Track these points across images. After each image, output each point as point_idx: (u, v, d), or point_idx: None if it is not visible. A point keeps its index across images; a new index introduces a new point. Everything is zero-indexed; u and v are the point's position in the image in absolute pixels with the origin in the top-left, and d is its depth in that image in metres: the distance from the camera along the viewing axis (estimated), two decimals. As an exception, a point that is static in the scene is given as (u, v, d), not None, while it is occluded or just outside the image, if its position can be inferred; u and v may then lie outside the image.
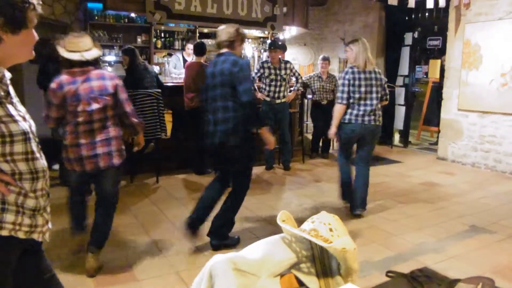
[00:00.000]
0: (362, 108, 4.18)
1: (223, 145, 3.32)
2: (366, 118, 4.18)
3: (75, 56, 2.84)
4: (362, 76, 4.17)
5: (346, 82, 4.17)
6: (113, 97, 2.94)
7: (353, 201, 4.38)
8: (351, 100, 4.19)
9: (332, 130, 4.30)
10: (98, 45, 3.06)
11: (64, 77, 2.89)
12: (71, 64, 2.88)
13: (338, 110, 4.23)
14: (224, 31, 3.42)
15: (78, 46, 2.88)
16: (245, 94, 3.22)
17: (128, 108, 3.05)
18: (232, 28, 3.42)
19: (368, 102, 4.18)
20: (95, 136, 2.90)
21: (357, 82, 4.16)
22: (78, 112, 2.85)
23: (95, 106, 2.86)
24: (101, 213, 3.13)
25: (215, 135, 3.34)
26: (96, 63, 2.98)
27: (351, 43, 4.28)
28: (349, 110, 4.21)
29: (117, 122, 3.03)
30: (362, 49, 4.18)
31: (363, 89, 4.16)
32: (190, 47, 7.11)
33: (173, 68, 7.36)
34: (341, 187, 4.53)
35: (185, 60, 7.25)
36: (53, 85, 2.87)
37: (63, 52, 2.85)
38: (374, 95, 4.20)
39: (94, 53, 2.92)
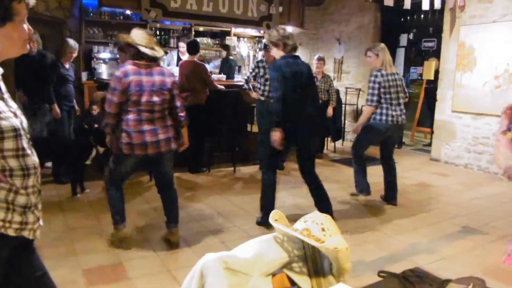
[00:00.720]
0: (395, 108, 4.48)
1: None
2: (400, 118, 4.51)
3: (149, 52, 3.16)
4: (390, 78, 4.46)
5: (377, 85, 4.42)
6: (170, 92, 3.28)
7: (394, 193, 4.82)
8: (383, 102, 4.45)
9: (358, 128, 4.61)
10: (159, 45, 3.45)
11: (129, 67, 3.16)
12: (141, 57, 3.18)
13: (369, 112, 4.51)
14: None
15: (152, 43, 3.24)
16: None
17: (179, 103, 3.37)
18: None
19: (400, 101, 4.53)
20: (156, 123, 3.22)
21: (387, 84, 4.43)
22: (142, 102, 3.14)
23: (155, 98, 3.18)
24: (170, 193, 3.53)
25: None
26: (157, 60, 3.32)
27: (374, 48, 4.54)
28: (382, 111, 4.47)
29: (171, 114, 3.37)
30: (386, 53, 4.50)
31: (393, 89, 4.46)
32: (182, 45, 7.08)
33: (167, 66, 7.34)
34: (363, 178, 4.78)
35: (179, 59, 7.23)
36: (118, 73, 3.14)
37: (139, 46, 3.14)
38: (401, 95, 4.54)
39: (161, 52, 3.31)
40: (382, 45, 4.57)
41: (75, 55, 5.40)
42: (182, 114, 3.38)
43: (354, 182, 4.84)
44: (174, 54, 7.49)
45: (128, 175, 3.54)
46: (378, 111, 4.50)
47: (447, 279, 1.57)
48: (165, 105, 3.27)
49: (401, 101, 4.56)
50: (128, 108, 3.15)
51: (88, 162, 4.76)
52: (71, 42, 5.35)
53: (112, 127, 3.23)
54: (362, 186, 4.78)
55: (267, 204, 3.95)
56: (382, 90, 4.43)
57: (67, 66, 5.36)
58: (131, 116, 3.15)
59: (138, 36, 3.18)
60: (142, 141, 3.16)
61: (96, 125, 6.16)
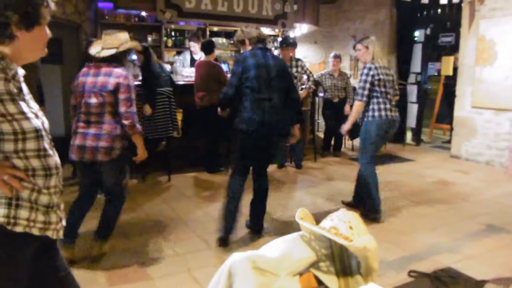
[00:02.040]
0: (388, 103, 4.11)
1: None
2: (394, 114, 4.14)
3: (92, 51, 3.07)
4: (384, 71, 4.10)
5: (370, 78, 4.03)
6: (113, 94, 2.98)
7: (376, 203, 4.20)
8: (379, 96, 4.07)
9: (348, 127, 4.21)
10: (131, 44, 3.33)
11: (83, 70, 3.12)
12: (91, 59, 3.12)
13: (360, 107, 4.10)
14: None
15: (100, 43, 3.11)
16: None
17: (123, 108, 2.98)
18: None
19: (391, 97, 4.15)
20: (90, 128, 3.00)
21: (383, 77, 4.06)
22: (81, 103, 3.03)
23: (93, 100, 2.98)
24: (106, 207, 3.30)
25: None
26: (113, 60, 3.08)
27: (363, 40, 4.21)
28: (380, 106, 4.07)
29: (118, 120, 3.02)
30: (376, 46, 4.15)
31: (388, 84, 4.11)
32: (193, 44, 7.03)
33: (181, 67, 7.31)
34: (373, 193, 4.19)
35: (192, 59, 7.21)
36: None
37: (90, 48, 3.13)
38: (392, 90, 4.18)
39: (109, 52, 3.06)
40: (372, 37, 4.22)
41: None
42: (126, 121, 2.98)
43: (367, 202, 4.24)
44: (187, 54, 7.47)
45: (90, 185, 3.25)
46: (376, 107, 4.07)
47: (482, 280, 1.51)
48: (104, 109, 2.97)
49: (392, 96, 4.19)
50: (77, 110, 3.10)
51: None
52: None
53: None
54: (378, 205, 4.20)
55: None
56: (377, 83, 4.04)
57: None
58: (76, 118, 3.08)
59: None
60: (74, 143, 3.02)
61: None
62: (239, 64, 3.52)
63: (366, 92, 4.05)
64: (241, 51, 3.90)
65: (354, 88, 7.37)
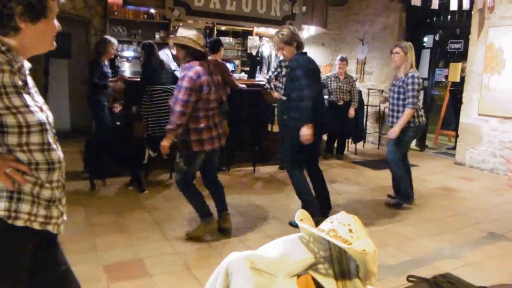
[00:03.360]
0: (420, 109, 4.49)
1: None
2: (424, 119, 4.60)
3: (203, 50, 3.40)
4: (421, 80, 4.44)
5: (418, 87, 4.33)
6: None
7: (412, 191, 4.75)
8: (418, 104, 4.41)
9: (397, 132, 4.39)
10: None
11: (199, 68, 3.30)
12: (202, 57, 3.38)
13: (411, 114, 4.36)
14: None
15: (203, 42, 3.41)
16: None
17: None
18: None
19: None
20: (215, 119, 3.49)
21: (421, 86, 4.42)
22: (211, 100, 3.38)
23: (214, 95, 3.43)
24: (219, 184, 3.79)
25: None
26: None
27: (402, 44, 4.44)
28: (419, 113, 4.45)
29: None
30: (413, 53, 4.45)
31: (421, 92, 4.46)
32: (181, 31, 6.99)
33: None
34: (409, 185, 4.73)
35: (173, 55, 7.16)
36: (192, 74, 3.24)
37: (197, 46, 3.33)
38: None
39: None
40: (410, 43, 4.46)
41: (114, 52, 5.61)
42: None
43: (398, 189, 4.71)
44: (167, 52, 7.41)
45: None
46: (415, 113, 4.40)
47: (481, 286, 1.51)
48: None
49: None
50: (198, 106, 3.32)
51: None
52: (113, 39, 5.53)
53: (184, 127, 3.33)
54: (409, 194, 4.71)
55: (311, 201, 3.99)
56: (418, 92, 4.37)
57: (106, 63, 5.55)
58: (201, 114, 3.35)
59: (194, 35, 3.36)
60: (213, 135, 3.42)
61: (118, 123, 6.25)
62: (309, 66, 3.81)
63: (416, 100, 4.33)
64: (277, 52, 4.22)
65: (360, 92, 7.37)
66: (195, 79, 3.22)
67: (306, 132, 3.68)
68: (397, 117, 4.45)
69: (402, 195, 4.68)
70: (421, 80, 4.42)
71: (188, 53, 3.35)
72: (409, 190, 4.70)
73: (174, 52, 7.05)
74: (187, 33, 3.37)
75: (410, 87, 4.30)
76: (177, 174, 3.54)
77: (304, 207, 3.87)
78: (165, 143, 3.31)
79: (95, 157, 4.89)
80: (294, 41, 3.80)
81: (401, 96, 4.40)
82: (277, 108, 6.13)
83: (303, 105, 3.70)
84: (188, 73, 3.24)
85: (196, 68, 3.28)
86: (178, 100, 3.20)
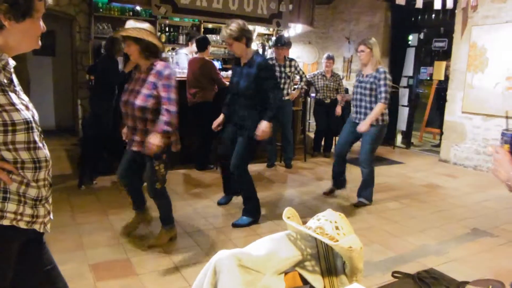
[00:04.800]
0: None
1: None
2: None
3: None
4: None
5: (389, 82, 4.34)
6: None
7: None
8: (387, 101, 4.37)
9: (367, 126, 4.35)
10: None
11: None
12: (159, 54, 3.14)
13: (382, 110, 4.35)
14: None
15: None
16: None
17: None
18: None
19: None
20: None
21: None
22: None
23: None
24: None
25: None
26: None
27: (367, 41, 4.40)
28: (386, 110, 4.45)
29: None
30: (378, 49, 4.44)
31: None
32: (131, 23, 7.03)
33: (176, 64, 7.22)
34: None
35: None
36: (173, 72, 3.13)
37: (155, 40, 3.06)
38: None
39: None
40: (374, 39, 4.43)
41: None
42: None
43: (365, 193, 4.74)
44: (181, 51, 7.40)
45: None
46: (386, 111, 4.43)
47: (463, 281, 1.54)
48: None
49: None
50: None
51: None
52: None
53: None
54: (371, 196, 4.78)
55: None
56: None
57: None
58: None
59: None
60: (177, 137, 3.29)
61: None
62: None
63: (388, 96, 4.33)
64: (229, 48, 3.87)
65: (346, 90, 7.43)
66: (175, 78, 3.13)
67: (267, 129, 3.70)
68: (365, 114, 4.42)
69: (369, 196, 4.74)
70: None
71: (143, 48, 3.03)
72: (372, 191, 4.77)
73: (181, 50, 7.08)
74: (140, 25, 3.05)
75: (382, 82, 4.30)
76: (156, 183, 3.22)
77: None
78: (160, 143, 2.97)
79: (95, 154, 4.86)
80: (243, 37, 3.65)
81: (373, 93, 4.37)
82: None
83: (276, 103, 3.72)
84: (171, 71, 3.08)
85: (171, 66, 3.17)
86: (171, 100, 3.00)
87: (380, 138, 4.53)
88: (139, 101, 3.02)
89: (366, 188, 4.71)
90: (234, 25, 3.61)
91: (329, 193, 4.99)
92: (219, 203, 4.48)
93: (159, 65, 3.06)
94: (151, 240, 3.47)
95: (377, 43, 4.42)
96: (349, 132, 4.63)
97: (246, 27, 3.69)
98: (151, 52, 3.05)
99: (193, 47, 6.93)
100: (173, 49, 8.00)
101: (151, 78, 3.04)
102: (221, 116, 4.11)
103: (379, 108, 4.31)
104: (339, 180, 4.95)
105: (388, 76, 4.34)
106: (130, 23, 3.06)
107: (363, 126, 4.34)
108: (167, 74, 3.03)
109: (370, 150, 4.52)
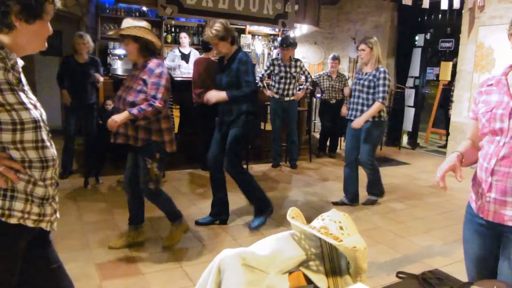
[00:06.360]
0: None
1: None
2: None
3: None
4: None
5: (388, 82, 4.35)
6: None
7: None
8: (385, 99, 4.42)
9: (362, 122, 4.34)
10: None
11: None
12: (156, 52, 3.23)
13: (379, 109, 4.36)
14: None
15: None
16: None
17: None
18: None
19: None
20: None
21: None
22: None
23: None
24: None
25: None
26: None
27: (367, 40, 4.38)
28: (384, 108, 4.46)
29: None
30: (379, 47, 4.44)
31: None
32: (184, 36, 7.14)
33: (171, 62, 7.23)
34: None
35: (182, 54, 7.20)
36: (166, 71, 3.16)
37: (153, 38, 3.11)
38: None
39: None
40: (375, 38, 4.43)
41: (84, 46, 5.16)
42: None
43: (372, 190, 4.75)
44: (175, 50, 7.40)
45: None
46: (385, 108, 4.49)
47: (468, 281, 1.53)
48: None
49: None
50: None
51: None
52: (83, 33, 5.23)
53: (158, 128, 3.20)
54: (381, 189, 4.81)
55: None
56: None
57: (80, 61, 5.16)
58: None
59: None
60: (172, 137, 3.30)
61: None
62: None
63: (386, 95, 4.37)
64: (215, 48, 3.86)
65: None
66: (167, 77, 3.11)
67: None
68: (361, 111, 4.41)
69: (378, 192, 4.77)
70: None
71: (142, 47, 3.05)
72: (381, 186, 4.79)
73: (185, 49, 7.11)
74: (138, 23, 3.05)
75: (381, 81, 4.31)
76: (150, 184, 3.17)
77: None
78: (120, 121, 2.98)
79: (98, 154, 4.89)
80: (228, 36, 3.66)
81: (371, 90, 4.36)
82: (270, 106, 6.19)
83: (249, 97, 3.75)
84: (162, 69, 3.08)
85: (164, 65, 3.17)
86: (157, 98, 3.00)
87: (376, 135, 4.47)
88: (130, 97, 3.05)
89: (373, 186, 4.72)
90: (218, 25, 3.62)
91: (340, 204, 4.73)
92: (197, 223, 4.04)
93: (152, 63, 3.07)
94: (165, 241, 3.42)
95: (378, 43, 4.41)
96: (352, 136, 4.58)
97: (229, 25, 3.72)
98: (149, 50, 3.09)
99: (183, 40, 7.01)
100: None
101: (142, 75, 3.06)
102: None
103: (376, 106, 4.32)
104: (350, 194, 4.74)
105: (388, 76, 4.35)
106: (128, 21, 3.07)
107: (356, 123, 4.36)
108: (158, 72, 3.04)
109: (369, 149, 4.49)
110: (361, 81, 4.44)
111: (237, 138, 3.76)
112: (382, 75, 4.31)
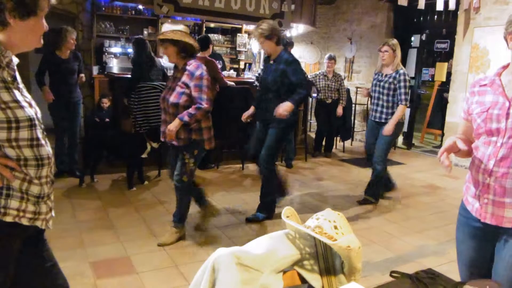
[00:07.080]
0: None
1: None
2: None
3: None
4: None
5: (408, 84, 4.46)
6: None
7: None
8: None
9: (392, 128, 4.41)
10: None
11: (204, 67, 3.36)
12: (194, 52, 3.36)
13: (404, 111, 4.46)
14: None
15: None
16: None
17: None
18: None
19: None
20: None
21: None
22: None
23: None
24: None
25: None
26: None
27: (391, 42, 4.48)
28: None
29: None
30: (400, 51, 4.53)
31: None
32: (167, 26, 7.06)
33: (169, 62, 7.20)
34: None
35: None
36: (206, 73, 3.31)
37: (190, 40, 3.28)
38: None
39: None
40: (396, 40, 4.53)
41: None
42: None
43: (371, 191, 4.77)
44: None
45: None
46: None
47: (461, 281, 1.55)
48: None
49: None
50: None
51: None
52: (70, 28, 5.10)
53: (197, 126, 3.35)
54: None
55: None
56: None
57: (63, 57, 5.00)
58: None
59: None
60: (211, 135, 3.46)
61: (107, 119, 6.22)
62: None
63: (408, 97, 4.43)
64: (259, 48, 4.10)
65: (348, 90, 7.44)
66: (208, 77, 3.26)
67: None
68: (384, 112, 4.50)
69: (376, 193, 4.80)
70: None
71: (180, 49, 3.21)
72: (379, 192, 4.85)
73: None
74: (175, 27, 3.24)
75: (402, 84, 4.38)
76: (185, 176, 3.35)
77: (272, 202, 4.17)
78: (175, 129, 3.18)
79: (95, 152, 4.88)
80: (274, 36, 3.80)
81: (391, 92, 4.44)
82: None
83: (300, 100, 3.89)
84: (202, 71, 3.22)
85: (203, 66, 3.29)
86: (203, 99, 3.17)
87: (395, 135, 4.59)
88: (172, 98, 3.22)
89: (375, 186, 4.75)
90: (265, 24, 3.79)
91: (363, 202, 4.79)
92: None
93: (191, 66, 3.24)
94: (161, 239, 3.49)
95: (398, 44, 4.50)
96: (371, 131, 4.73)
97: (277, 26, 3.88)
98: (188, 52, 3.24)
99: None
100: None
101: (184, 78, 3.23)
102: (252, 109, 4.21)
103: (401, 110, 4.41)
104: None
105: (408, 77, 4.44)
106: (166, 26, 3.26)
107: (387, 131, 4.43)
108: (198, 74, 3.20)
109: (385, 147, 4.58)
110: (382, 83, 4.51)
111: (279, 136, 3.95)
112: (402, 77, 4.41)
